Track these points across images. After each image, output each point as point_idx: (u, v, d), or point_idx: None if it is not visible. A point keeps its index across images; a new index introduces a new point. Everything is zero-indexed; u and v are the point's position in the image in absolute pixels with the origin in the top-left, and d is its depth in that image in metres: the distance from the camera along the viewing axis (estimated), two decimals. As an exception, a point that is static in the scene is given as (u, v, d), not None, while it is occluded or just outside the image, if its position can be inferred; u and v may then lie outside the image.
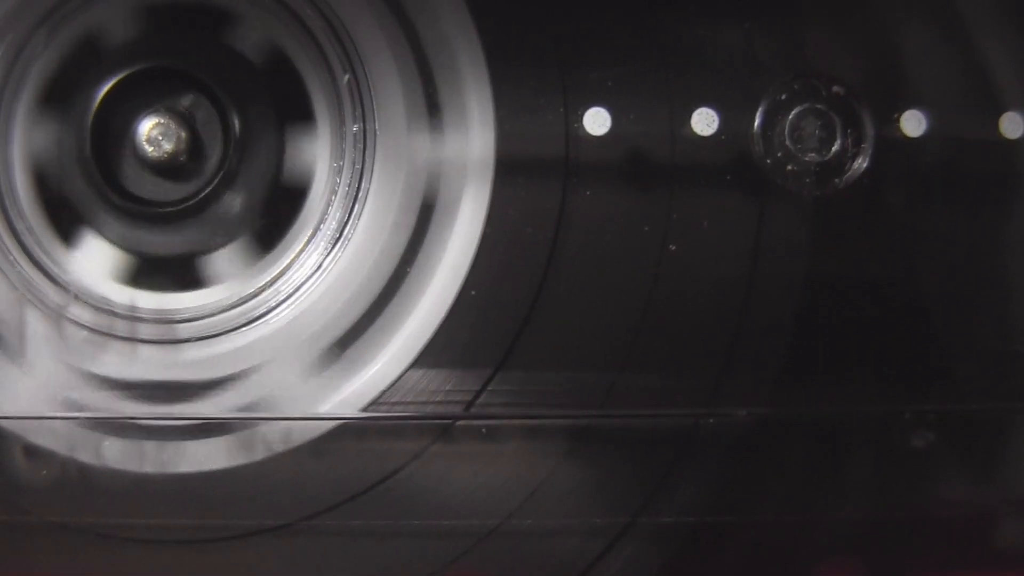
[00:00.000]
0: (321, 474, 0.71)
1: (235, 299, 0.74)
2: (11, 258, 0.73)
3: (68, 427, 0.71)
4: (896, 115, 0.73)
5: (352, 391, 0.72)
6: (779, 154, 0.72)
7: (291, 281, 0.74)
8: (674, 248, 0.72)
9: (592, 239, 0.72)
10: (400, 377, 0.72)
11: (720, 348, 0.72)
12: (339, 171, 0.74)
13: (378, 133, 0.73)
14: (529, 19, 0.72)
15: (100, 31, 0.74)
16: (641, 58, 0.72)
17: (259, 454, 0.71)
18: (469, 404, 0.72)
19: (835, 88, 0.72)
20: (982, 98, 0.73)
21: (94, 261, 0.74)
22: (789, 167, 0.72)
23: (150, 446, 0.71)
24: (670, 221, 0.72)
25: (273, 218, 0.75)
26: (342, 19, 0.73)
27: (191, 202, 0.74)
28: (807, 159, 0.72)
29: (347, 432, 0.72)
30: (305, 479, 0.72)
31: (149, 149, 0.73)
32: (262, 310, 0.74)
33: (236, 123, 0.74)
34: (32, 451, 0.71)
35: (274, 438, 0.71)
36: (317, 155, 0.74)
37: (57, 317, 0.72)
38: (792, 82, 0.72)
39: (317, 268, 0.74)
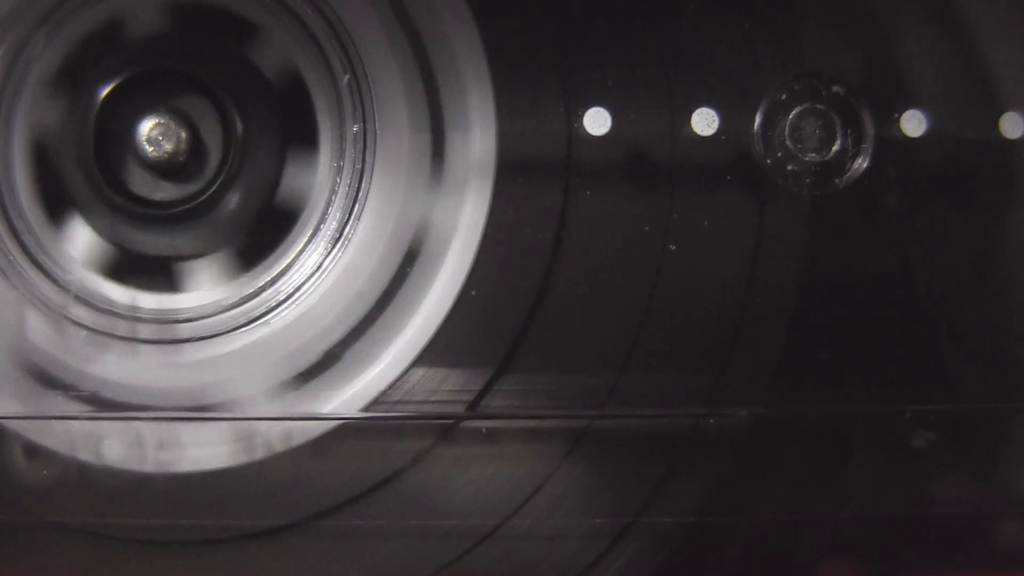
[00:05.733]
0: (321, 474, 0.71)
1: (235, 299, 0.74)
2: (11, 258, 0.73)
3: (68, 427, 0.71)
4: (896, 115, 0.73)
5: (353, 391, 0.72)
6: (779, 154, 0.72)
7: (291, 281, 0.74)
8: (674, 248, 0.72)
9: (593, 239, 0.72)
10: (401, 377, 0.72)
11: (720, 348, 0.73)
12: (339, 171, 0.74)
13: (378, 133, 0.73)
14: (530, 19, 0.72)
15: (101, 30, 0.74)
16: (641, 58, 0.72)
17: (259, 454, 0.71)
18: (470, 404, 0.72)
19: (835, 88, 0.72)
20: (982, 98, 0.73)
21: (94, 261, 0.74)
22: (789, 167, 0.73)
23: (150, 446, 0.71)
24: (670, 221, 0.72)
25: (274, 218, 0.75)
26: (342, 19, 0.73)
27: (192, 203, 0.74)
28: (807, 159, 0.72)
29: (347, 432, 0.72)
30: (305, 479, 0.72)
31: (149, 149, 0.73)
32: (262, 310, 0.74)
33: (237, 123, 0.74)
34: (32, 451, 0.71)
35: (274, 438, 0.71)
36: (318, 156, 0.74)
37: (57, 317, 0.72)
38: (792, 82, 0.72)
39: (317, 268, 0.74)
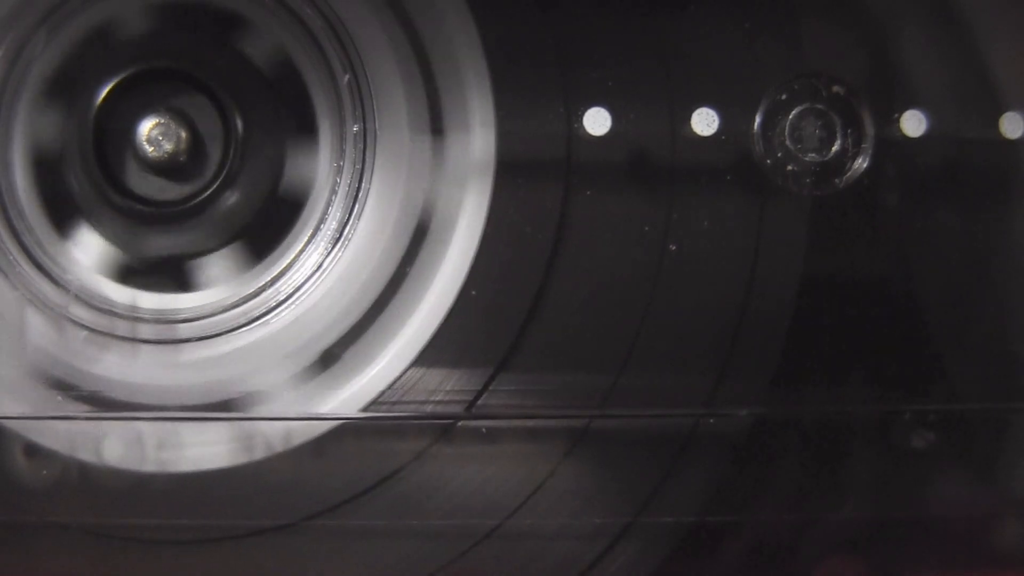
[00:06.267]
0: (321, 474, 0.71)
1: (235, 299, 0.74)
2: (11, 258, 0.73)
3: (68, 427, 0.71)
4: (896, 115, 0.73)
5: (353, 391, 0.72)
6: (779, 154, 0.72)
7: (291, 281, 0.74)
8: (674, 248, 0.72)
9: (593, 239, 0.72)
10: (400, 377, 0.72)
11: (720, 348, 0.72)
12: (339, 171, 0.74)
13: (378, 133, 0.73)
14: (530, 19, 0.72)
15: (101, 31, 0.74)
16: (641, 58, 0.72)
17: (259, 454, 0.71)
18: (470, 404, 0.72)
19: (835, 88, 0.72)
20: (982, 98, 0.73)
21: (94, 261, 0.74)
22: (789, 167, 0.72)
23: (150, 446, 0.71)
24: (670, 221, 0.72)
25: (273, 218, 0.75)
26: (342, 19, 0.73)
27: (192, 202, 0.74)
28: (807, 159, 0.72)
29: (347, 432, 0.72)
30: (305, 479, 0.71)
31: (149, 149, 0.73)
32: (262, 310, 0.74)
33: (237, 123, 0.74)
34: (32, 451, 0.71)
35: (274, 438, 0.71)
36: (318, 155, 0.74)
37: (57, 317, 0.72)
38: (792, 82, 0.72)
39: (317, 268, 0.74)
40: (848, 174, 0.73)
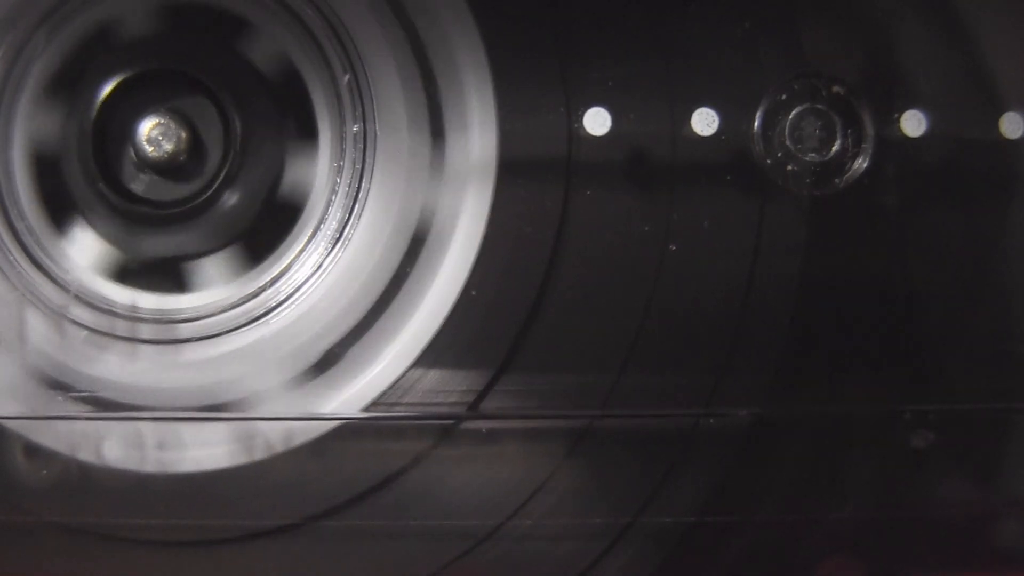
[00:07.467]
0: (322, 474, 0.71)
1: (235, 299, 0.74)
2: (11, 258, 0.73)
3: (68, 427, 0.71)
4: (896, 115, 0.73)
5: (353, 391, 0.72)
6: (779, 154, 0.72)
7: (291, 281, 0.74)
8: (674, 248, 0.72)
9: (593, 239, 0.72)
10: (401, 378, 0.72)
11: (720, 348, 0.72)
12: (339, 171, 0.74)
13: (378, 133, 0.73)
14: (530, 19, 0.72)
15: (101, 31, 0.74)
16: (641, 58, 0.72)
17: (259, 454, 0.71)
18: (470, 405, 0.72)
19: (835, 88, 0.72)
20: (982, 98, 0.73)
21: (94, 260, 0.74)
22: (789, 167, 0.73)
23: (151, 446, 0.71)
24: (670, 221, 0.72)
25: (274, 218, 0.75)
26: (342, 19, 0.73)
27: (192, 203, 0.74)
28: (807, 159, 0.72)
29: (348, 432, 0.72)
30: (305, 479, 0.72)
31: (149, 149, 0.73)
32: (262, 310, 0.74)
33: (237, 123, 0.74)
34: (32, 451, 0.71)
35: (274, 438, 0.71)
36: (318, 155, 0.74)
37: (57, 317, 0.72)
38: (792, 82, 0.72)
39: (317, 268, 0.74)
40: (848, 174, 0.73)
